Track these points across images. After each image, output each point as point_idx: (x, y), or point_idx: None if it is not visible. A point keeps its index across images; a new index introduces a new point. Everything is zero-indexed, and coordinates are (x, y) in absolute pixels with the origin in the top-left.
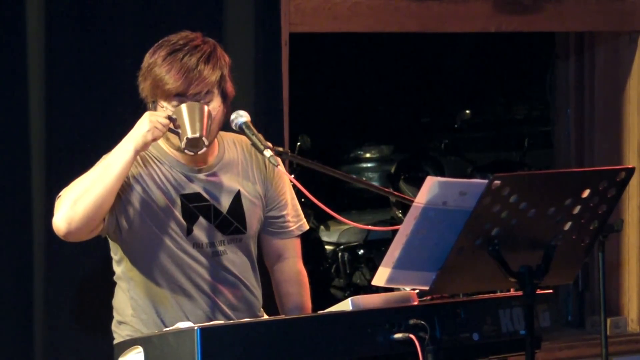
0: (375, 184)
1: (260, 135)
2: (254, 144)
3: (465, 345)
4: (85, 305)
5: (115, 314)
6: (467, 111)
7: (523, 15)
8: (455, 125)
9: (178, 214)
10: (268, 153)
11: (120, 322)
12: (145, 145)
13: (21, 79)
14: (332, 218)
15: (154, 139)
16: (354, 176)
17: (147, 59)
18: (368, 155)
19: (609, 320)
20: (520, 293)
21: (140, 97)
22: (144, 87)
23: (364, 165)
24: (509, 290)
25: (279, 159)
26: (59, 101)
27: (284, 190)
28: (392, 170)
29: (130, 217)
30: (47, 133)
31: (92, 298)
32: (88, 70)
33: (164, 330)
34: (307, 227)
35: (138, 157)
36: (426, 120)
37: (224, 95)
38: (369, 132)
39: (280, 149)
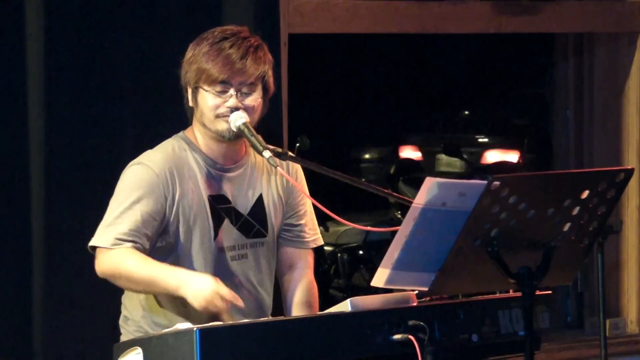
0: (375, 185)
1: (259, 137)
2: (252, 145)
3: (464, 346)
4: (85, 304)
5: (123, 309)
6: (466, 112)
7: (522, 16)
8: (455, 126)
9: (209, 216)
10: (267, 154)
11: (127, 318)
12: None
13: (20, 80)
14: (331, 219)
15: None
16: (353, 177)
17: (192, 48)
18: (367, 156)
19: (608, 322)
20: (519, 294)
21: (181, 84)
22: (189, 72)
23: (363, 166)
24: (508, 291)
25: (278, 160)
26: (58, 102)
27: (304, 201)
28: (392, 171)
29: (170, 226)
30: (46, 134)
31: (91, 296)
32: (87, 71)
33: (163, 331)
34: (321, 242)
35: (174, 162)
36: (426, 120)
37: (265, 90)
38: (368, 133)
39: (280, 149)
